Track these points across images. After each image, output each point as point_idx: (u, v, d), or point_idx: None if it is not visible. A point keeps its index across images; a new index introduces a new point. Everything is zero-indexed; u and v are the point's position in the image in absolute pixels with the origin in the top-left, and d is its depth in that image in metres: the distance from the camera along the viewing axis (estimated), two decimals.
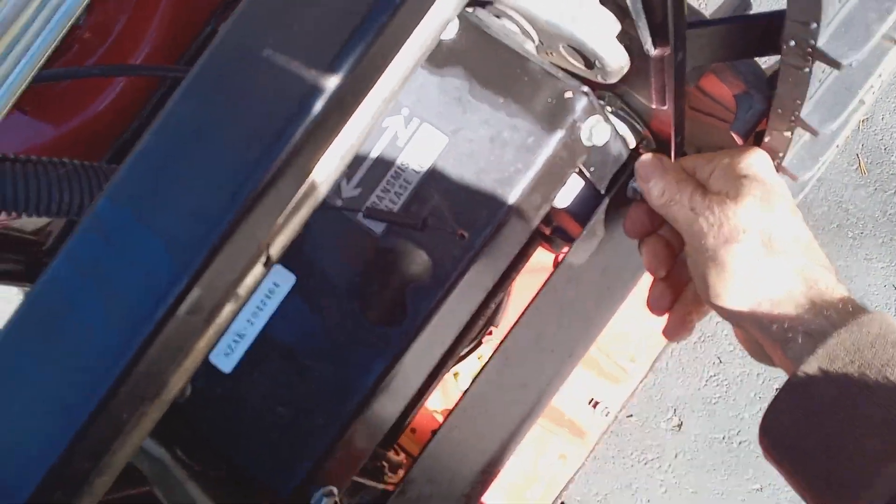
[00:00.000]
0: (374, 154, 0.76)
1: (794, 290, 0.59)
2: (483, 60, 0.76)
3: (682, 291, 0.78)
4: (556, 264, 1.21)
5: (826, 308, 0.58)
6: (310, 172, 0.49)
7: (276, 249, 0.55)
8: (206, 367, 0.75)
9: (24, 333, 0.48)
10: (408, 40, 0.49)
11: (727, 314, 0.64)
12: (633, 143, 1.07)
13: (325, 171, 0.51)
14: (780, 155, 0.76)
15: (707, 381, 2.07)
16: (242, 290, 0.53)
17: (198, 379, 0.74)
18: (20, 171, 0.63)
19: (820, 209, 2.08)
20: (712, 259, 0.63)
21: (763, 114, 0.92)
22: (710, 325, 2.07)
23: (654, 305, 0.78)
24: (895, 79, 2.09)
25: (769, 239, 0.61)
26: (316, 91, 0.45)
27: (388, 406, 0.76)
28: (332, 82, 0.45)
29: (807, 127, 0.68)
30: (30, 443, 0.47)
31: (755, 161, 0.67)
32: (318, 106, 0.46)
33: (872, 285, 2.03)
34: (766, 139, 0.75)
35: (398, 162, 0.76)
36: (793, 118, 0.68)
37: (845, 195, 2.07)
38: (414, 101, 0.76)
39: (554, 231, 1.00)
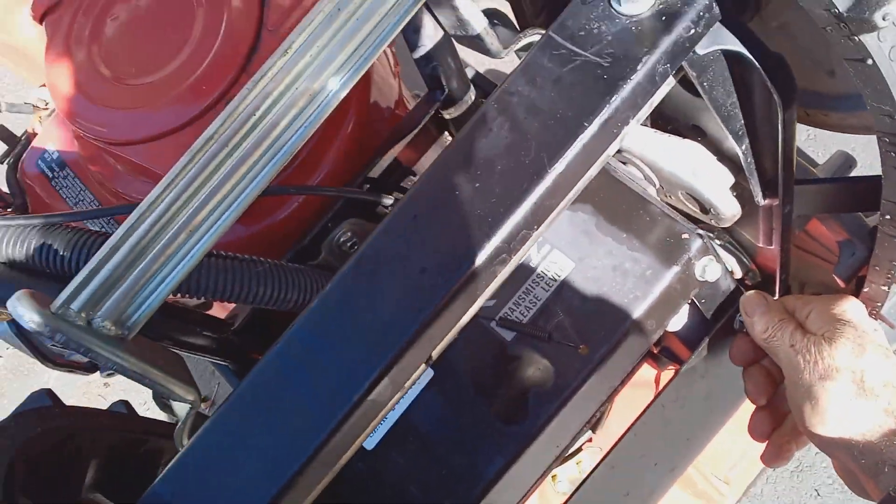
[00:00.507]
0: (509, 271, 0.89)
1: (884, 427, 0.66)
2: (610, 199, 0.88)
3: (782, 420, 0.84)
4: (658, 381, 1.29)
5: None
6: (476, 300, 0.62)
7: (436, 352, 0.67)
8: None
9: (253, 400, 0.62)
10: (576, 185, 0.61)
11: (822, 444, 0.71)
12: (739, 274, 1.16)
13: (486, 297, 0.63)
14: (879, 304, 0.83)
15: None
16: (409, 383, 0.65)
17: None
18: (229, 266, 0.79)
19: None
20: (808, 393, 0.70)
21: (864, 261, 0.99)
22: (810, 456, 2.04)
23: (755, 431, 0.85)
24: None
25: (861, 380, 0.68)
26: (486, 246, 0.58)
27: (503, 498, 0.85)
28: (493, 244, 0.59)
29: None
30: (244, 491, 0.60)
31: (850, 308, 0.74)
32: (488, 254, 0.59)
33: None
34: (866, 289, 0.83)
35: (530, 280, 0.88)
36: (889, 275, 0.75)
37: None
38: (547, 230, 0.88)
39: (662, 351, 1.08)
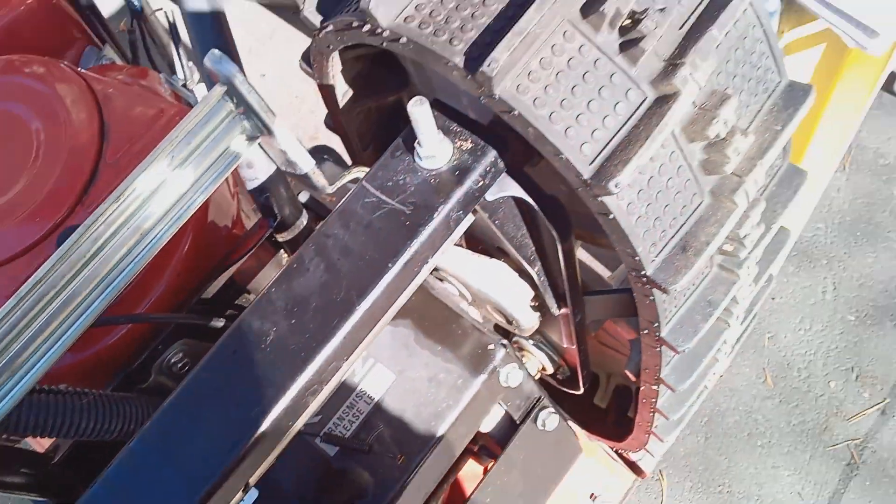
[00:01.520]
0: (334, 387, 0.94)
1: None
2: (427, 315, 0.95)
3: None
4: (486, 473, 1.36)
5: None
6: (290, 429, 0.66)
7: (254, 479, 0.71)
8: None
9: None
10: (383, 318, 0.68)
11: None
12: (551, 370, 1.27)
13: (304, 419, 0.68)
14: (653, 400, 0.95)
15: None
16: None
17: None
18: (52, 401, 0.78)
19: (732, 418, 2.28)
20: None
21: None
22: None
23: None
24: (796, 302, 2.39)
25: None
26: (304, 373, 0.64)
27: None
28: (308, 373, 0.64)
29: (668, 385, 0.88)
30: None
31: None
32: (308, 376, 0.64)
33: (780, 492, 2.19)
34: (642, 388, 0.95)
35: (353, 395, 0.93)
36: (656, 377, 0.88)
37: (754, 406, 2.29)
38: (370, 345, 0.95)
39: (480, 449, 1.16)
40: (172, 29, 1.20)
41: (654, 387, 0.89)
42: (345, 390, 0.93)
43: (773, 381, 2.33)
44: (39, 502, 0.90)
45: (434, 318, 0.95)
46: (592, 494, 1.71)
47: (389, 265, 0.67)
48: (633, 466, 1.68)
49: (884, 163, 2.50)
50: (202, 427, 0.63)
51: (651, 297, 0.72)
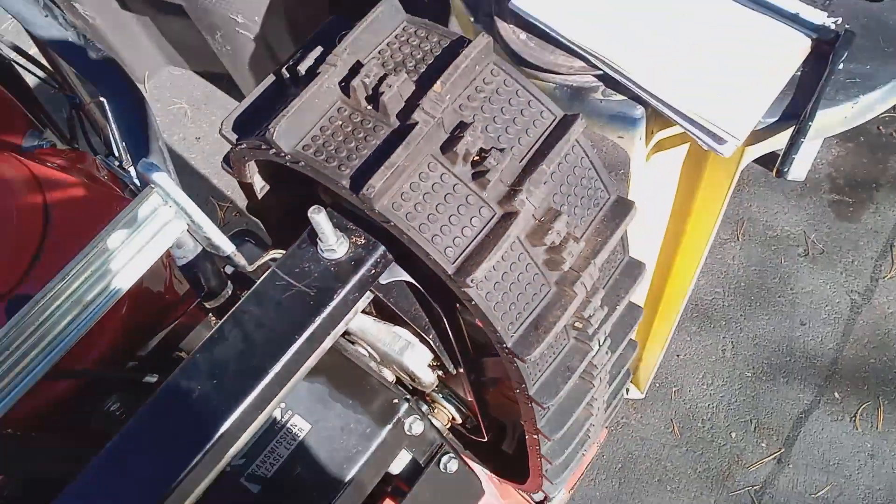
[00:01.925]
0: (259, 433, 1.08)
1: None
2: (340, 373, 1.11)
3: None
4: None
5: None
6: (215, 466, 0.81)
7: None
8: None
9: None
10: (293, 378, 0.84)
11: None
12: (459, 420, 1.44)
13: (224, 462, 0.83)
14: (533, 420, 1.12)
15: None
16: None
17: None
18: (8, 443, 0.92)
19: (643, 465, 2.46)
20: None
21: None
22: None
23: None
24: (699, 358, 2.61)
25: None
26: (228, 417, 0.79)
27: None
28: (237, 415, 0.79)
29: (537, 403, 1.04)
30: None
31: None
32: (230, 424, 0.79)
33: None
34: (522, 410, 1.12)
35: (275, 440, 1.08)
36: (535, 430, 1.05)
37: (663, 454, 2.48)
38: (290, 398, 1.10)
39: (393, 489, 1.31)
40: (106, 116, 1.36)
41: (535, 436, 1.06)
42: (267, 436, 1.08)
43: (679, 431, 2.53)
44: None
45: (346, 376, 1.11)
46: None
47: (296, 337, 0.83)
48: None
49: (772, 234, 2.76)
50: (137, 468, 0.78)
51: (515, 364, 0.90)
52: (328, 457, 1.07)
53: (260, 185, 1.05)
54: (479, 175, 0.78)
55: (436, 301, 0.94)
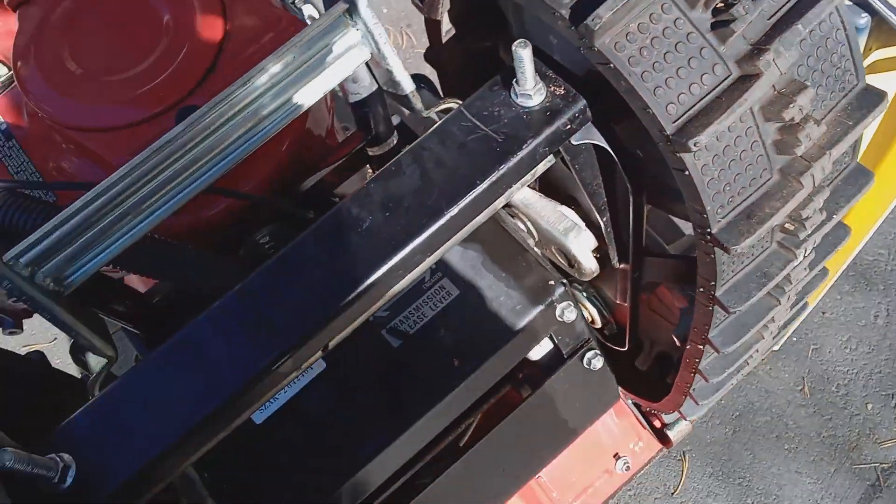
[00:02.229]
0: (404, 288, 1.05)
1: None
2: (496, 244, 1.05)
3: None
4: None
5: None
6: (375, 302, 0.77)
7: (333, 343, 0.82)
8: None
9: (168, 361, 0.75)
10: (464, 228, 0.78)
11: None
12: (599, 324, 1.36)
13: (381, 302, 0.79)
14: (697, 360, 1.03)
15: None
16: (307, 363, 0.80)
17: None
18: (162, 248, 0.91)
19: (763, 418, 2.33)
20: None
21: None
22: (649, 500, 2.27)
23: None
24: (846, 320, 2.40)
25: None
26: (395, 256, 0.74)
27: (366, 481, 1.00)
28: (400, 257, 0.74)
29: (714, 346, 0.95)
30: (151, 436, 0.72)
31: None
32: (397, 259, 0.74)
33: (799, 497, 2.24)
34: (689, 347, 1.03)
35: (420, 299, 1.04)
36: (704, 337, 0.95)
37: (787, 411, 2.33)
38: (441, 261, 1.05)
39: (524, 377, 1.26)
40: None
41: (701, 346, 0.97)
42: (413, 294, 1.04)
43: (809, 391, 2.36)
44: (132, 333, 1.04)
45: (502, 248, 1.05)
46: (617, 454, 1.81)
47: (478, 182, 0.76)
48: (661, 435, 1.77)
49: None
50: (301, 286, 0.75)
51: (712, 256, 0.80)
52: (472, 326, 1.02)
53: (447, 28, 0.98)
54: (720, 25, 0.67)
55: (628, 176, 0.85)
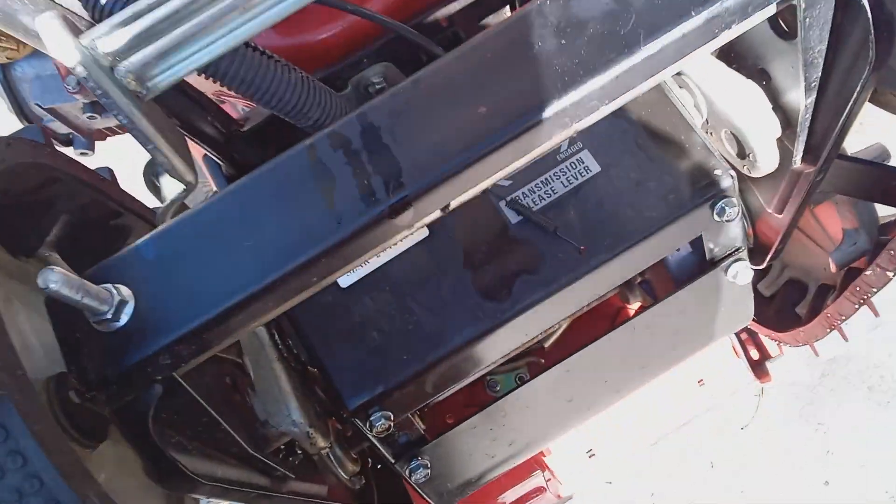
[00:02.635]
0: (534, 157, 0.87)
1: None
2: (655, 116, 0.86)
3: None
4: (619, 316, 1.30)
5: None
6: (527, 154, 0.60)
7: (454, 204, 0.65)
8: None
9: (251, 200, 0.59)
10: (640, 86, 0.59)
11: None
12: None
13: (534, 156, 0.61)
14: (874, 290, 0.84)
15: (694, 481, 2.14)
16: (422, 223, 0.63)
17: None
18: (264, 62, 0.74)
19: (857, 366, 2.14)
20: None
21: (864, 253, 1.00)
22: (718, 431, 2.14)
23: None
24: None
25: None
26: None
27: (461, 368, 0.86)
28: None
29: None
30: (226, 278, 0.58)
31: None
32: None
33: (881, 455, 2.08)
34: (868, 272, 0.84)
35: (551, 172, 0.86)
36: None
37: (888, 363, 2.13)
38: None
39: (642, 283, 1.09)
40: None
41: (891, 273, 0.78)
42: (543, 164, 0.86)
43: None
44: (212, 163, 0.89)
45: (662, 123, 0.86)
46: (701, 380, 1.65)
47: (693, 12, 0.56)
48: (756, 368, 1.60)
49: None
50: (429, 122, 0.57)
51: None
52: (610, 211, 0.84)
53: None
54: None
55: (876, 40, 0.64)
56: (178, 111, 0.79)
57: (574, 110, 0.57)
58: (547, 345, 1.31)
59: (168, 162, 0.71)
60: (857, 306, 0.90)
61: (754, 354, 1.62)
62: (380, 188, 0.57)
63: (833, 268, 1.02)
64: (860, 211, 0.99)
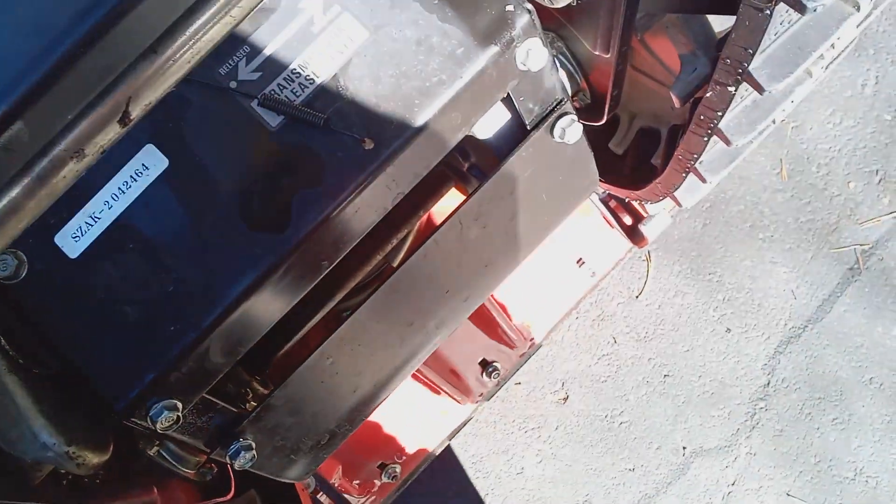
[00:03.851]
0: (281, 37, 0.67)
1: None
2: None
3: None
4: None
5: None
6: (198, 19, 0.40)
7: (137, 107, 0.46)
8: (50, 249, 0.65)
9: None
10: None
11: None
12: (570, 92, 1.01)
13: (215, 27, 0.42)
14: (719, 114, 0.70)
15: (599, 359, 2.07)
16: (89, 147, 0.44)
17: (37, 260, 0.64)
18: None
19: (736, 207, 2.09)
20: None
21: (706, 78, 0.86)
22: (611, 306, 2.06)
23: None
24: (830, 92, 2.12)
25: None
26: None
27: (254, 323, 0.67)
28: None
29: (753, 82, 0.63)
30: None
31: None
32: None
33: (773, 288, 2.06)
34: (708, 94, 0.69)
35: (308, 51, 0.66)
36: (741, 70, 0.62)
37: (763, 197, 2.09)
38: None
39: (470, 168, 0.92)
40: None
41: (732, 87, 0.64)
42: (296, 44, 0.66)
43: (788, 174, 2.11)
44: None
45: None
46: (580, 260, 1.54)
47: None
48: (633, 233, 1.50)
49: None
50: None
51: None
52: (392, 86, 0.66)
53: None
54: None
55: None
56: None
57: None
58: (395, 263, 1.15)
59: None
60: (705, 138, 0.76)
61: (628, 221, 1.52)
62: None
63: (677, 102, 0.88)
64: (694, 31, 0.85)
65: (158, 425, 0.64)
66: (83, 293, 0.64)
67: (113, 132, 0.45)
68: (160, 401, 0.64)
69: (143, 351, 0.64)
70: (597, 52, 0.89)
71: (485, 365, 1.49)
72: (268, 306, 0.67)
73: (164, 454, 0.81)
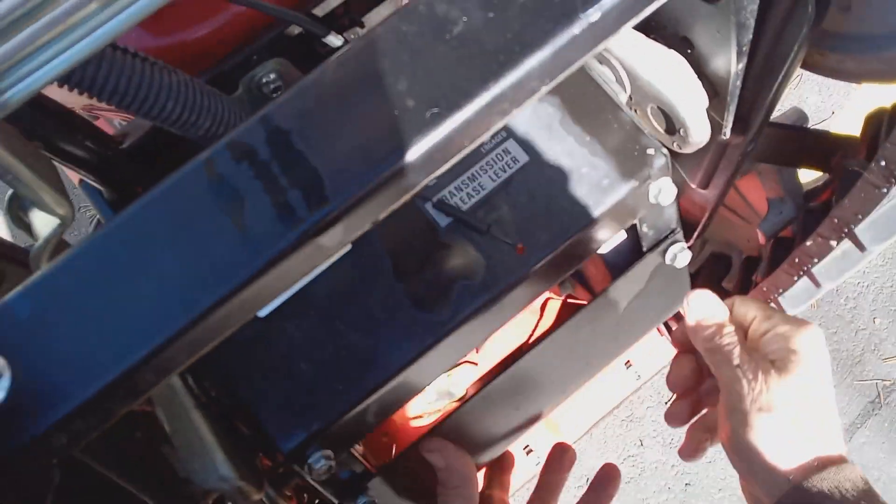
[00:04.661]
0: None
1: (807, 467, 0.62)
2: (579, 97, 0.80)
3: (698, 411, 0.79)
4: (544, 308, 1.25)
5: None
6: (466, 146, 0.52)
7: (385, 214, 0.57)
8: None
9: (143, 232, 0.49)
10: (583, 57, 0.53)
11: (741, 467, 0.67)
12: None
13: (476, 143, 0.54)
14: (815, 261, 0.82)
15: (624, 460, 2.13)
16: (352, 239, 0.55)
17: None
18: (139, 66, 0.63)
19: None
20: (744, 421, 0.64)
21: (791, 221, 0.99)
22: (641, 409, 2.14)
23: (672, 418, 0.80)
24: None
25: (799, 420, 0.63)
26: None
27: (405, 391, 0.78)
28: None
29: (857, 242, 0.74)
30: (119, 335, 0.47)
31: (810, 339, 0.66)
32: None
33: None
34: (809, 243, 0.81)
35: (477, 166, 0.79)
36: (846, 230, 0.74)
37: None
38: None
39: (575, 274, 1.04)
40: None
41: (834, 241, 0.76)
42: (467, 160, 0.79)
43: (818, 303, 2.23)
44: (91, 189, 0.77)
45: (587, 103, 0.80)
46: (629, 362, 1.63)
47: None
48: None
49: None
50: (344, 122, 0.49)
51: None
52: (544, 204, 0.78)
53: None
54: None
55: None
56: (40, 132, 0.66)
57: (513, 93, 0.50)
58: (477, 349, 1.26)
59: (33, 192, 0.59)
60: (795, 278, 0.88)
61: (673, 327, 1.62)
62: (299, 204, 0.48)
63: (762, 239, 1.01)
64: (784, 179, 0.98)
65: (314, 473, 0.74)
66: (267, 347, 0.75)
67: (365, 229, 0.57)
68: (319, 450, 0.74)
69: (313, 404, 0.73)
70: (693, 186, 1.02)
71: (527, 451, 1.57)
72: (418, 378, 0.77)
73: (264, 501, 0.90)
